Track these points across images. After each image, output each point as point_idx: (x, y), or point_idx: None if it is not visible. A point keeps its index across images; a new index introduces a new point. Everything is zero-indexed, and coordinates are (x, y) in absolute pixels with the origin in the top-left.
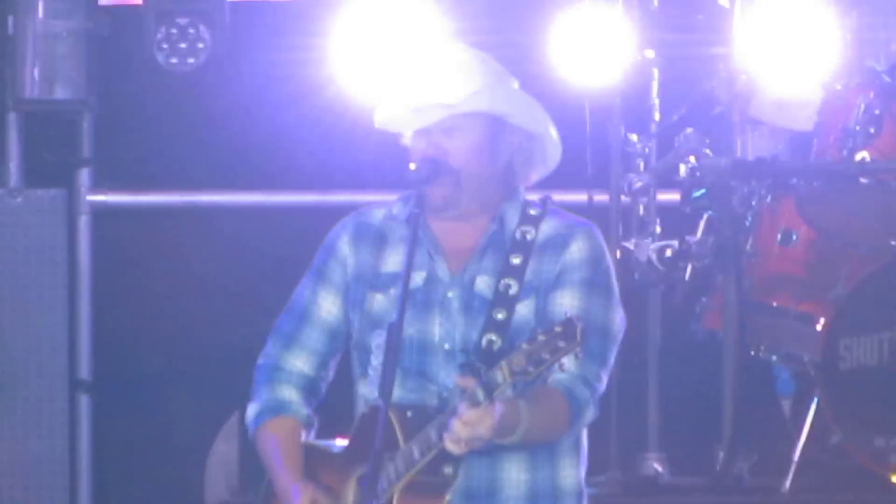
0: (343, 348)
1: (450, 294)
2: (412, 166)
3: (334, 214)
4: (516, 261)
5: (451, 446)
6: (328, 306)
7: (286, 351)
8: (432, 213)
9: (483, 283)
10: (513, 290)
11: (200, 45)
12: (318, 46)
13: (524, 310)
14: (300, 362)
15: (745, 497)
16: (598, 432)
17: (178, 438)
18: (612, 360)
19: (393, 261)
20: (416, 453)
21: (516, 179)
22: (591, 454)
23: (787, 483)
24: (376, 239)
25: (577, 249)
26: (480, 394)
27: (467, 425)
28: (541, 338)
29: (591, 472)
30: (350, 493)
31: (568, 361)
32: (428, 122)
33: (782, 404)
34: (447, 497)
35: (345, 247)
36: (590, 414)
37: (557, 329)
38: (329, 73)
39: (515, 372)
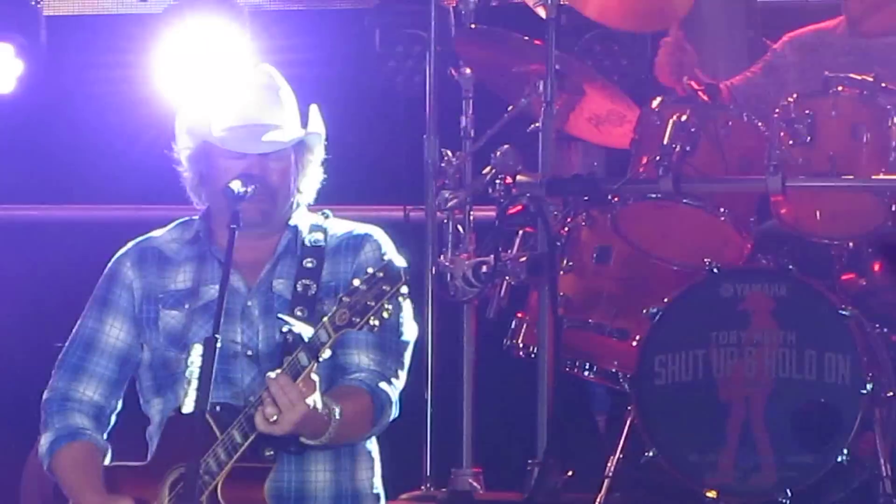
0: (131, 375)
1: (249, 303)
2: (237, 184)
3: (151, 227)
4: (310, 264)
5: (263, 425)
6: (116, 332)
7: (74, 381)
8: (248, 228)
9: (281, 285)
10: (312, 291)
11: (16, 68)
12: (136, 64)
13: (325, 308)
14: (90, 391)
15: None
16: (412, 447)
17: None
18: (408, 361)
19: (182, 278)
20: (238, 437)
21: (302, 195)
22: (406, 468)
23: (601, 499)
24: (160, 261)
25: (370, 250)
26: (304, 356)
27: (283, 389)
28: (362, 286)
29: (405, 486)
30: (165, 500)
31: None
32: (276, 147)
33: (597, 420)
34: (266, 483)
35: (129, 272)
36: (391, 414)
37: (378, 273)
38: (150, 89)
39: (339, 326)
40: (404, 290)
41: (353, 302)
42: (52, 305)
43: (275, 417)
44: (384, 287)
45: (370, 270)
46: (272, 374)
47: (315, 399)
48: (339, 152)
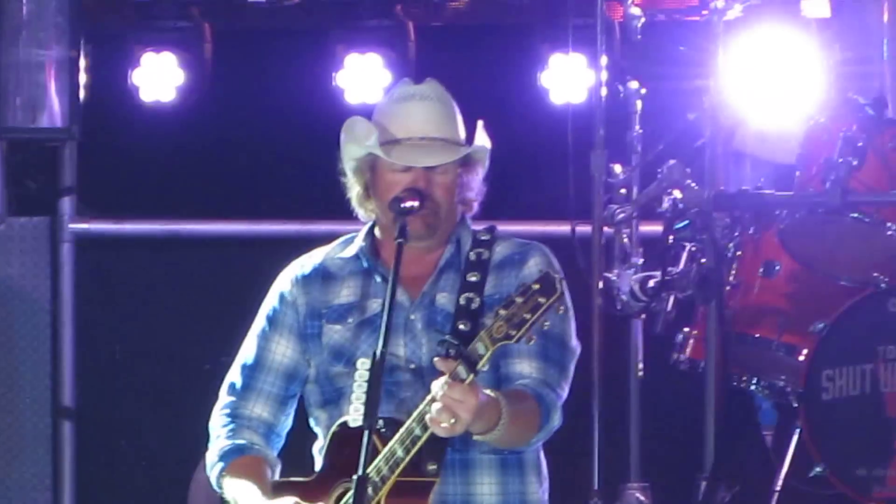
0: (299, 392)
1: (412, 317)
2: (404, 199)
3: (319, 243)
4: (473, 278)
5: (437, 428)
6: (282, 349)
7: (242, 399)
8: (413, 241)
9: (444, 299)
10: (475, 305)
11: (185, 84)
12: (298, 77)
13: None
14: (258, 409)
15: None
16: (580, 462)
17: (160, 465)
18: (571, 372)
19: (345, 293)
20: (400, 451)
21: (465, 208)
22: (574, 484)
23: None
24: (324, 277)
25: (534, 264)
26: (463, 370)
27: (453, 399)
28: (518, 299)
29: (573, 500)
30: None
31: (533, 366)
32: (442, 161)
33: (764, 434)
34: (431, 497)
35: (293, 289)
36: (556, 419)
37: (535, 286)
38: (316, 105)
39: (497, 339)
40: (562, 302)
41: (509, 315)
42: (223, 321)
43: (451, 420)
44: (540, 299)
45: (527, 283)
46: (438, 383)
47: (482, 392)
48: (505, 167)
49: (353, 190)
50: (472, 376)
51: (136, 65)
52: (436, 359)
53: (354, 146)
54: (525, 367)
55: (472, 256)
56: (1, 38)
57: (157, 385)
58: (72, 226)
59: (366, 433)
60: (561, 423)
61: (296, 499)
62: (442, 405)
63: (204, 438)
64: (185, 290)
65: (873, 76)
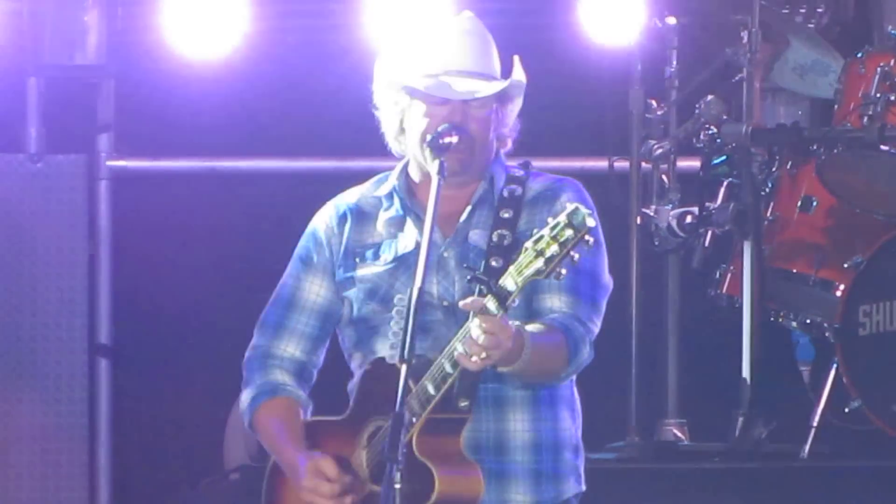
0: (332, 332)
1: (445, 254)
2: (446, 136)
3: (354, 180)
4: (506, 215)
5: (468, 362)
6: (316, 289)
7: (275, 339)
8: (448, 177)
9: (476, 236)
10: (507, 241)
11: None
12: (336, 12)
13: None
14: (291, 348)
15: (763, 462)
16: (616, 398)
17: (197, 402)
18: (602, 307)
19: (379, 233)
20: (432, 388)
21: (500, 144)
22: (610, 420)
23: (806, 448)
24: (358, 217)
25: (566, 200)
26: (493, 304)
27: (486, 333)
28: (546, 233)
29: (610, 437)
30: (363, 455)
31: (564, 300)
32: (480, 94)
33: (801, 370)
34: (463, 434)
35: (327, 229)
36: (586, 352)
37: (563, 220)
38: (349, 39)
39: (526, 274)
40: (592, 235)
41: (538, 249)
42: (256, 258)
43: (482, 354)
44: (568, 233)
45: (552, 219)
46: (476, 320)
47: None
48: (542, 103)
49: (388, 124)
50: (501, 312)
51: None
52: (461, 301)
53: (389, 78)
54: (555, 302)
55: (506, 193)
56: None
57: (194, 323)
58: (109, 163)
59: (403, 368)
60: (592, 357)
61: (329, 459)
62: (471, 339)
63: (240, 378)
64: (222, 227)
65: None
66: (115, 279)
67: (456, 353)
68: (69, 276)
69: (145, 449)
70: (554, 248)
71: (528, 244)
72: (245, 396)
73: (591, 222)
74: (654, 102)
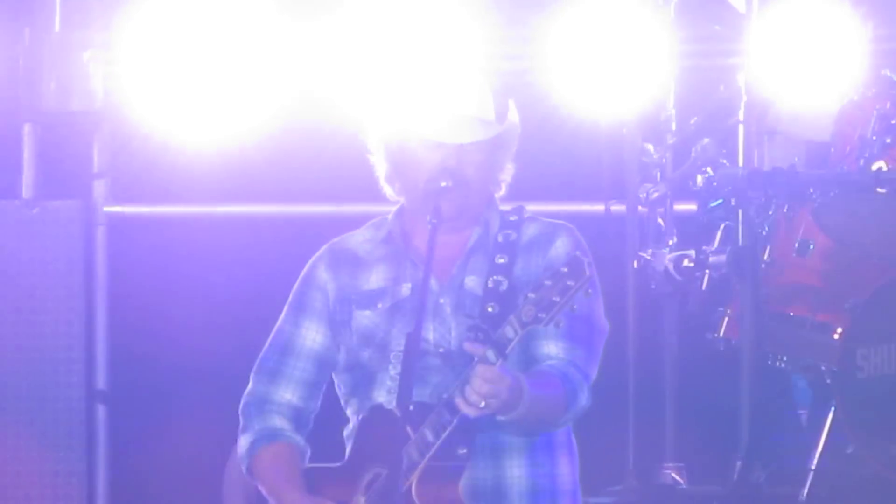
0: (328, 377)
1: (441, 300)
2: (440, 180)
3: (349, 225)
4: (502, 260)
5: (467, 408)
6: (312, 335)
7: (272, 385)
8: (443, 221)
9: (472, 282)
10: (503, 287)
11: None
12: (332, 56)
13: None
14: (288, 394)
15: None
16: (615, 441)
17: (195, 447)
18: (599, 352)
19: (375, 279)
20: (430, 436)
21: (494, 188)
22: (609, 463)
23: (805, 492)
24: (353, 262)
25: (561, 245)
26: (492, 354)
27: (485, 381)
28: (547, 283)
29: (608, 481)
30: (361, 502)
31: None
32: (476, 138)
33: (799, 413)
34: (462, 481)
35: (323, 275)
36: (584, 399)
37: (564, 269)
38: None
39: (526, 322)
40: (591, 285)
41: (538, 298)
42: (252, 303)
43: (482, 403)
44: (569, 282)
45: (556, 267)
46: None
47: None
48: (538, 147)
49: (382, 168)
50: (500, 360)
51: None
52: (465, 343)
53: (384, 123)
54: (552, 348)
55: (501, 238)
56: (35, 20)
57: (191, 368)
58: (106, 209)
59: (400, 415)
60: (589, 403)
61: (329, 497)
62: (472, 387)
63: (238, 424)
64: (218, 273)
65: None
66: (111, 325)
67: (456, 400)
68: (66, 322)
69: (143, 496)
70: (554, 296)
71: (529, 293)
72: (243, 442)
73: (589, 272)
74: (650, 146)
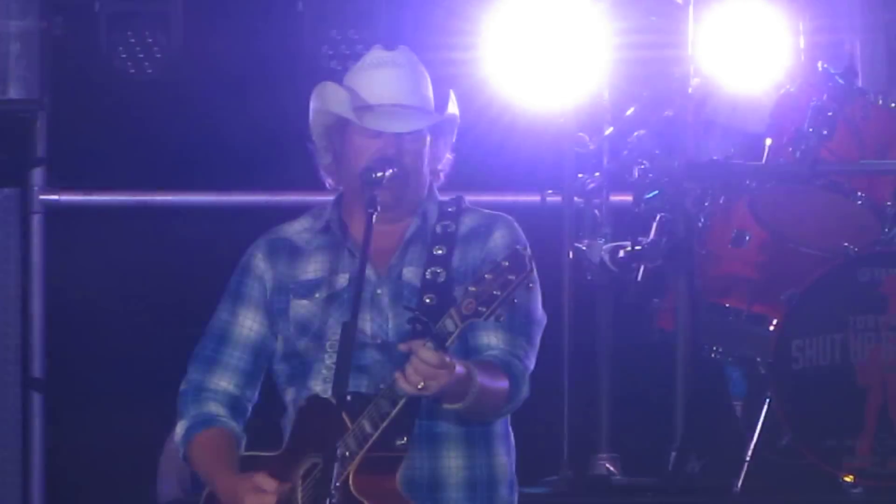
0: (266, 367)
1: (379, 291)
2: (378, 170)
3: (285, 215)
4: (440, 251)
5: (406, 386)
6: (249, 323)
7: (208, 373)
8: (381, 211)
9: (410, 274)
10: (441, 279)
11: (157, 54)
12: (271, 41)
13: (455, 296)
14: (224, 382)
15: (696, 497)
16: (550, 432)
17: (130, 436)
18: (537, 343)
19: (313, 268)
20: (369, 427)
21: (433, 178)
22: (543, 454)
23: (739, 483)
24: (291, 251)
25: (500, 236)
26: (432, 345)
27: (425, 362)
28: (488, 276)
29: (542, 472)
30: (298, 491)
31: (499, 337)
32: (413, 127)
33: (734, 405)
34: (400, 471)
35: (260, 263)
36: (525, 390)
37: (504, 263)
38: (283, 71)
39: (466, 315)
40: (531, 279)
41: (479, 291)
42: (192, 292)
43: (422, 384)
44: (510, 276)
45: (496, 260)
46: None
47: (455, 362)
48: (477, 138)
49: (322, 157)
50: (440, 352)
51: (106, 33)
52: (401, 344)
53: (324, 111)
54: (493, 339)
55: (439, 229)
56: None
57: (127, 356)
58: (42, 197)
59: (336, 404)
60: (528, 394)
61: (264, 473)
62: (413, 367)
63: (174, 410)
64: (155, 261)
65: (843, 46)
66: (48, 313)
67: (395, 376)
68: (2, 310)
69: (79, 483)
70: (495, 290)
71: (470, 286)
72: (179, 428)
73: (530, 265)
74: (586, 137)
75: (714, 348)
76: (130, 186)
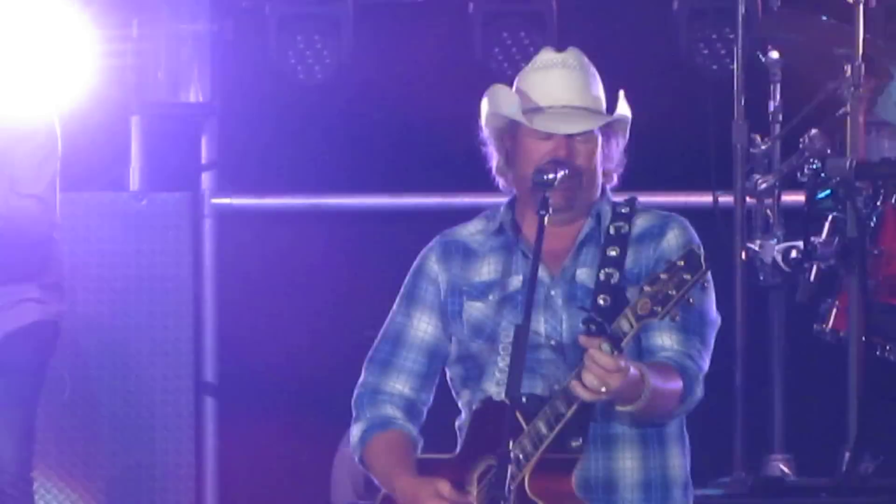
0: (441, 369)
1: (552, 292)
2: (549, 172)
3: (458, 217)
4: (613, 252)
5: (584, 392)
6: (424, 326)
7: (384, 376)
8: (554, 213)
9: (584, 275)
10: (614, 280)
11: (327, 59)
12: (445, 45)
13: (628, 297)
14: (399, 385)
15: (871, 497)
16: (723, 433)
17: (303, 440)
18: (711, 344)
19: (486, 270)
20: (544, 429)
21: (606, 180)
22: (716, 455)
23: None
24: (465, 254)
25: (673, 237)
26: (608, 346)
27: (601, 367)
28: (663, 276)
29: (716, 473)
30: (474, 493)
31: (674, 338)
32: (584, 128)
33: None
34: (575, 472)
35: (434, 266)
36: (699, 392)
37: (679, 262)
38: (456, 73)
39: (641, 316)
40: (706, 278)
41: (654, 291)
42: (365, 295)
43: (601, 387)
44: (685, 276)
45: (672, 259)
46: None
47: (629, 364)
48: (647, 138)
49: (494, 159)
50: (616, 353)
51: (276, 37)
52: (580, 336)
53: (496, 113)
54: (666, 340)
55: (612, 230)
56: (142, 12)
57: (299, 359)
58: (213, 200)
59: (509, 406)
60: (702, 395)
61: (445, 480)
62: (590, 372)
63: (347, 414)
64: (327, 265)
65: None
66: (219, 317)
67: (572, 383)
68: (174, 314)
69: (252, 488)
70: (671, 290)
71: (645, 286)
72: (356, 431)
73: (706, 265)
74: (757, 137)
75: (887, 347)
76: (301, 189)
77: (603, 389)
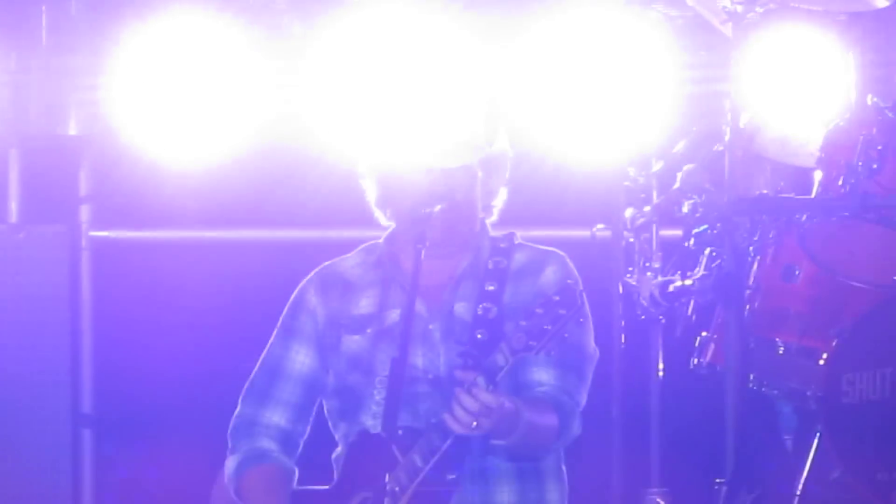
0: (318, 401)
1: (430, 326)
2: (426, 206)
3: (339, 250)
4: (491, 287)
5: (456, 426)
6: (301, 358)
7: (260, 408)
8: (432, 247)
9: (462, 309)
10: (492, 314)
11: None
12: (321, 81)
13: (506, 331)
14: (276, 416)
15: None
16: (600, 467)
17: (180, 471)
18: (589, 378)
19: (365, 303)
20: (419, 461)
21: (485, 214)
22: (594, 490)
23: None
24: (344, 287)
25: (551, 272)
26: (482, 380)
27: (475, 400)
28: (539, 311)
29: None
30: None
31: (550, 375)
32: (462, 162)
33: (784, 439)
34: None
35: (312, 298)
36: (576, 426)
37: (555, 298)
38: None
39: (517, 350)
40: (581, 314)
41: (530, 326)
42: (239, 328)
43: (472, 423)
44: (560, 311)
45: (548, 294)
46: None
47: (503, 399)
48: (526, 173)
49: (372, 193)
50: (490, 387)
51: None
52: (456, 370)
53: (373, 147)
54: (543, 376)
55: (491, 265)
56: (21, 45)
57: (176, 391)
58: (91, 233)
59: (385, 439)
60: (580, 430)
61: None
62: (462, 406)
63: (225, 444)
64: (204, 297)
65: (893, 79)
66: (97, 349)
67: (445, 417)
68: (51, 346)
69: None
70: (546, 325)
71: (521, 321)
72: (231, 463)
73: (581, 300)
74: (634, 172)
75: (763, 382)
76: (178, 223)
77: (475, 424)
